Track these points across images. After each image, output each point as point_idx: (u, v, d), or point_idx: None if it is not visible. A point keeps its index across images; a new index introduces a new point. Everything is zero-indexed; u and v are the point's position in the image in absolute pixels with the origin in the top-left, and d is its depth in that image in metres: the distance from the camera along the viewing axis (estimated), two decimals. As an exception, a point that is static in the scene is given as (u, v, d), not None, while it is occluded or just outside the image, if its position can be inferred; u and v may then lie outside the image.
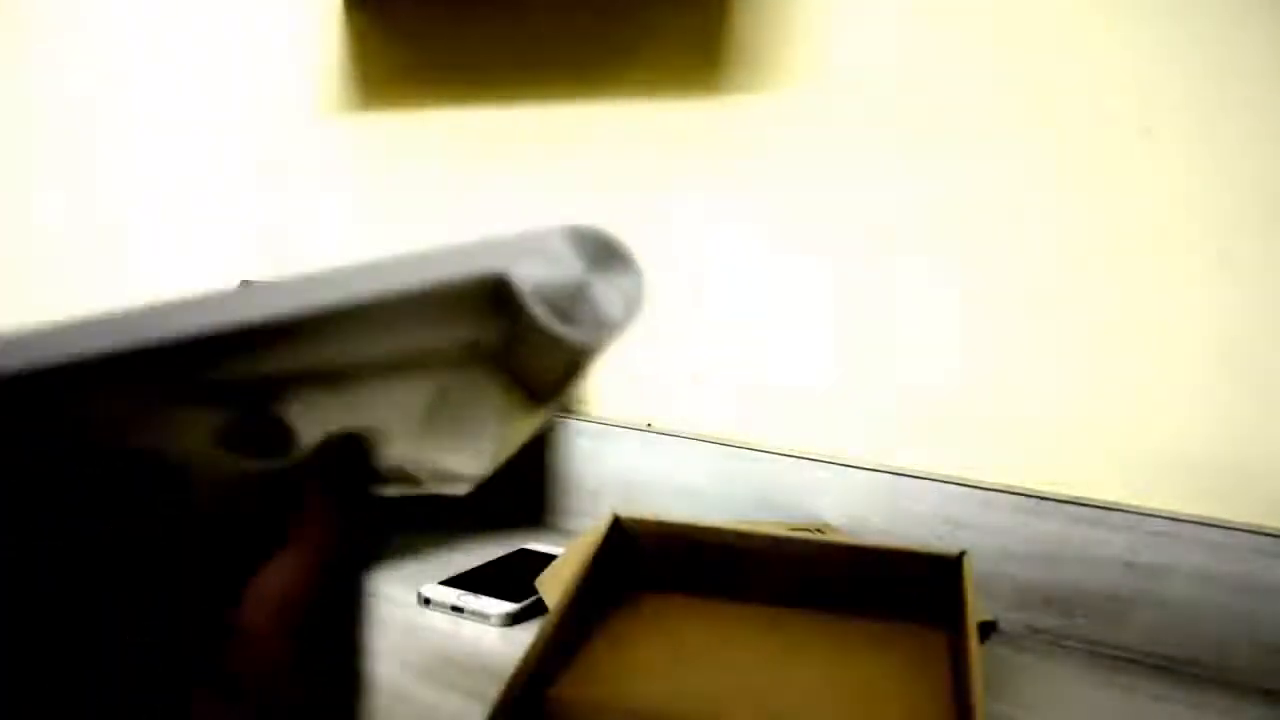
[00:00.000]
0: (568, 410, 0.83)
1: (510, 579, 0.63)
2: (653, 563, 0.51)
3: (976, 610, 0.43)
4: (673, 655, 0.44)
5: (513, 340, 0.24)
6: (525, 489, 0.82)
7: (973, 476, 0.65)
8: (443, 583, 0.61)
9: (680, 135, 0.78)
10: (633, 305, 0.24)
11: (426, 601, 0.59)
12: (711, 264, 0.76)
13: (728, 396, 0.76)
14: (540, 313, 0.22)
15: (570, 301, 0.23)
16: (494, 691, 0.48)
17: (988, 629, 0.56)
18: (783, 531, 0.51)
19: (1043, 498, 0.61)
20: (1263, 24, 0.57)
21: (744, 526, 0.50)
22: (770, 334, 0.74)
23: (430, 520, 0.79)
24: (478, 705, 0.47)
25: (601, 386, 0.82)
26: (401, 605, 0.59)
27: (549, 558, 0.68)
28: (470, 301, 0.23)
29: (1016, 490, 0.62)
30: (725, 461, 0.73)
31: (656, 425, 0.79)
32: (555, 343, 0.23)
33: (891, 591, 0.48)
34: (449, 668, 0.51)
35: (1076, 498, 0.60)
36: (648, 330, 0.80)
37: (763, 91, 0.74)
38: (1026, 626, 0.61)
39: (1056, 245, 0.63)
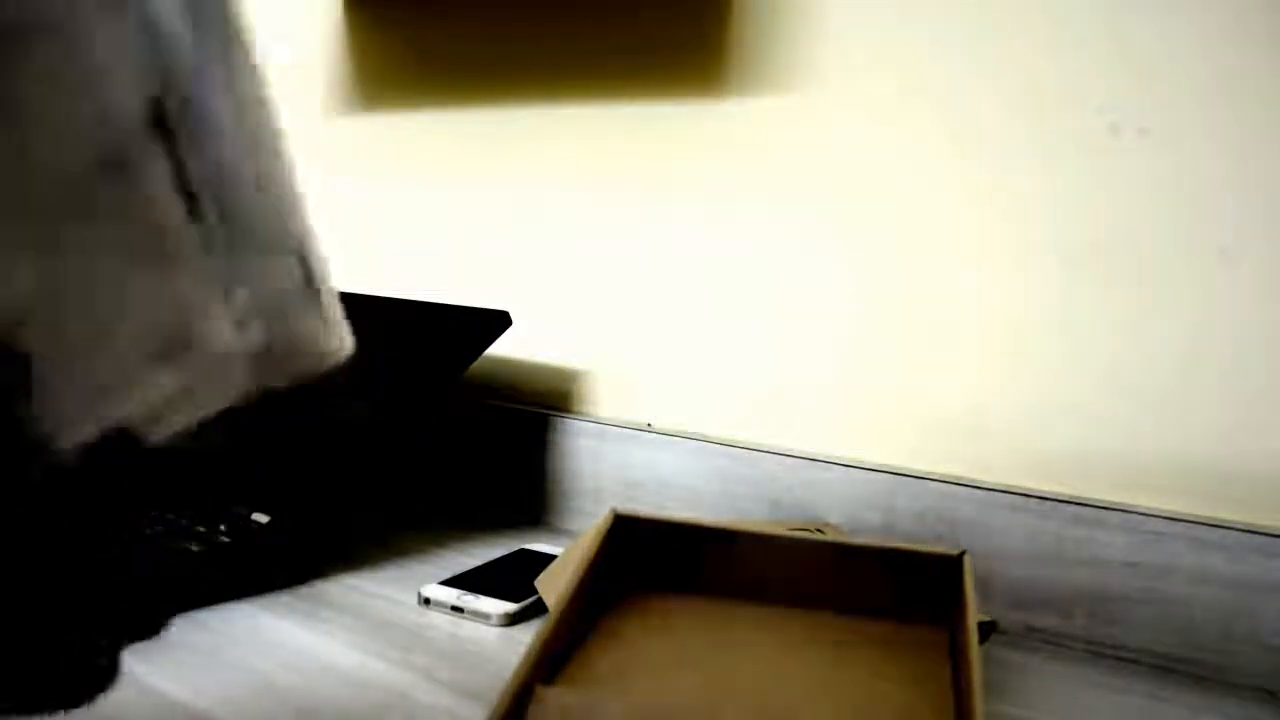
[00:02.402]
0: (568, 410, 0.83)
1: (510, 579, 0.63)
2: (653, 562, 0.51)
3: (976, 610, 0.43)
4: (672, 655, 0.44)
5: None
6: (525, 489, 0.82)
7: (973, 476, 0.65)
8: (443, 583, 0.61)
9: (681, 136, 0.78)
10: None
11: (426, 601, 0.59)
12: (712, 264, 0.77)
13: (728, 396, 0.76)
14: None
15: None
16: (494, 691, 0.48)
17: (988, 629, 0.56)
18: (783, 531, 0.51)
19: (1043, 498, 0.61)
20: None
21: (744, 526, 0.50)
22: (771, 334, 0.74)
23: (430, 520, 0.79)
24: (478, 705, 0.47)
25: (601, 386, 0.82)
26: (401, 605, 0.59)
27: (549, 558, 0.68)
28: None
29: (1016, 490, 0.62)
30: (725, 461, 0.73)
31: (656, 425, 0.79)
32: None
33: (891, 591, 0.48)
34: (449, 668, 0.51)
35: (1076, 498, 0.60)
36: (648, 330, 0.80)
37: (764, 92, 0.74)
38: (1026, 626, 0.61)
39: (1057, 243, 0.63)
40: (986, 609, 0.62)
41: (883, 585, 0.48)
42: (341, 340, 0.26)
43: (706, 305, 0.77)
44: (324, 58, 0.99)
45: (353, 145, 0.97)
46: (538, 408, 0.83)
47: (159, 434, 0.21)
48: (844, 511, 0.68)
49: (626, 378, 0.81)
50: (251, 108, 0.24)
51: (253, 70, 0.25)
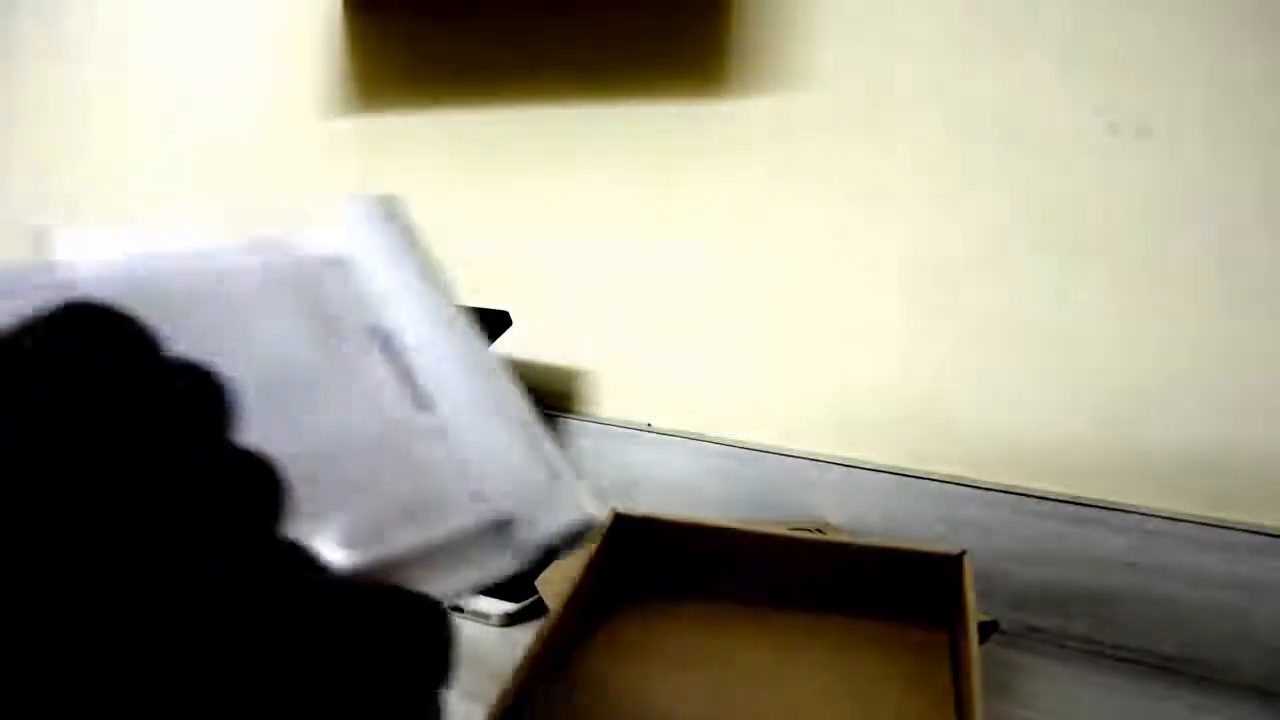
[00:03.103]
0: (568, 410, 0.83)
1: (510, 579, 0.63)
2: (653, 562, 0.51)
3: (976, 610, 0.43)
4: (673, 655, 0.44)
5: None
6: (525, 489, 0.82)
7: (973, 476, 0.65)
8: (443, 583, 0.61)
9: (681, 136, 0.78)
10: None
11: (426, 601, 0.59)
12: (712, 264, 0.76)
13: (728, 396, 0.76)
14: None
15: None
16: (494, 691, 0.48)
17: (988, 629, 0.56)
18: (783, 531, 0.51)
19: (1043, 498, 0.61)
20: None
21: (744, 526, 0.50)
22: (772, 334, 0.74)
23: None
24: (478, 705, 0.47)
25: (601, 386, 0.82)
26: (401, 605, 0.59)
27: (549, 558, 0.68)
28: None
29: (1016, 490, 0.62)
30: (725, 461, 0.73)
31: (656, 425, 0.79)
32: None
33: (891, 591, 0.48)
34: (449, 668, 0.51)
35: (1076, 498, 0.60)
36: (648, 330, 0.80)
37: (764, 93, 0.74)
38: (1026, 626, 0.61)
39: (1057, 243, 0.63)
40: (987, 609, 0.62)
41: (883, 585, 0.48)
42: (582, 511, 0.27)
43: (707, 305, 0.77)
44: (324, 58, 0.99)
45: (352, 146, 0.97)
46: (538, 408, 0.83)
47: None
48: (844, 511, 0.68)
49: (626, 378, 0.81)
50: (452, 326, 0.30)
51: (448, 303, 0.31)
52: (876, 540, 0.60)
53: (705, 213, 0.77)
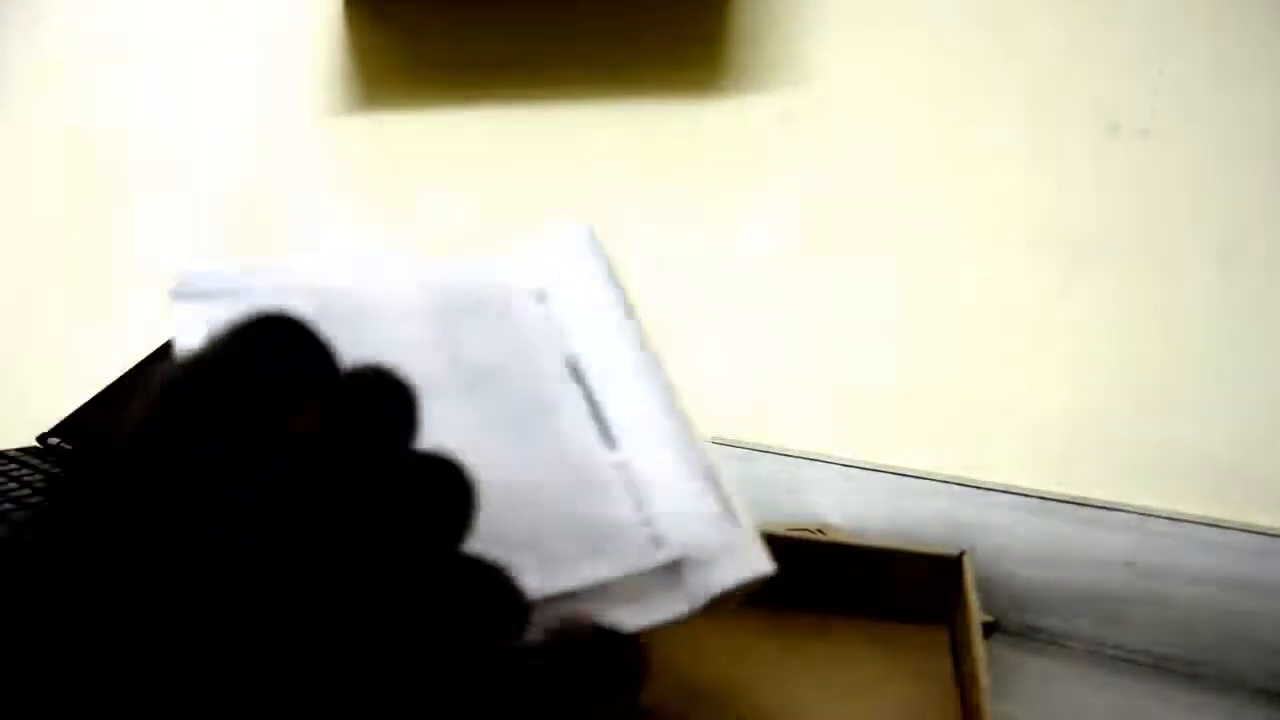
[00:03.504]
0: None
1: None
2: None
3: (978, 610, 0.43)
4: (672, 656, 0.44)
5: None
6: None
7: (973, 476, 0.65)
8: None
9: (681, 135, 0.78)
10: None
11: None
12: (711, 264, 0.76)
13: (729, 396, 0.76)
14: None
15: None
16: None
17: (988, 629, 0.56)
18: (783, 531, 0.51)
19: (1043, 498, 0.61)
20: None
21: (744, 526, 0.50)
22: (771, 332, 0.74)
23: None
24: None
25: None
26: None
27: (549, 558, 0.68)
28: None
29: (1016, 490, 0.62)
30: (726, 461, 0.72)
31: (656, 425, 0.78)
32: None
33: (891, 591, 0.48)
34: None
35: (1076, 497, 0.60)
36: (649, 330, 0.80)
37: (765, 90, 0.74)
38: (1026, 626, 0.61)
39: (1057, 243, 0.63)
40: (987, 609, 0.62)
41: (883, 585, 0.48)
42: (756, 565, 0.27)
43: (706, 304, 0.77)
44: (324, 58, 0.99)
45: (353, 145, 0.97)
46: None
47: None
48: (844, 511, 0.68)
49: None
50: (646, 360, 0.31)
51: (642, 336, 0.31)
52: (876, 540, 0.60)
53: (705, 210, 0.77)
